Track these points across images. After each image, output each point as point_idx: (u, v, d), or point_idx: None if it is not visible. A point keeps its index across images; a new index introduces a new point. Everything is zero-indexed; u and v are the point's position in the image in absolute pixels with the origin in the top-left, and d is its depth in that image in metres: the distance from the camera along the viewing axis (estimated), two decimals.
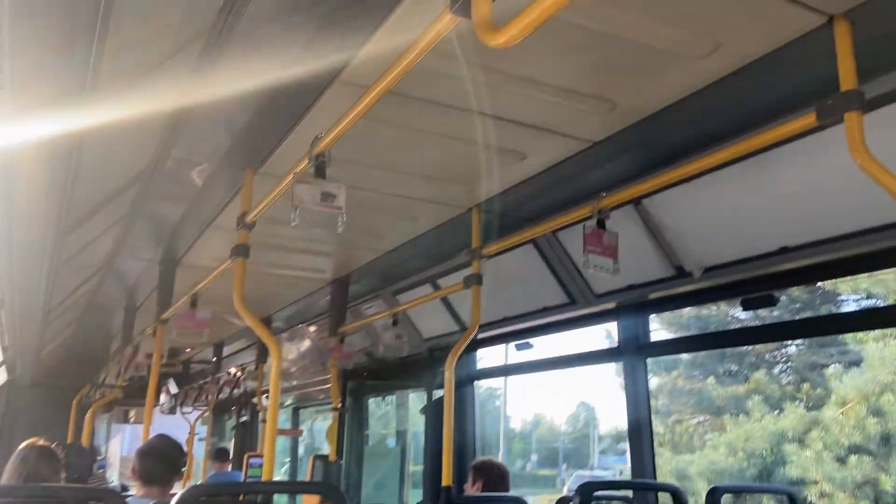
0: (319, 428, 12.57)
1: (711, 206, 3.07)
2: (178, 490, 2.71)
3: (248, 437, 9.01)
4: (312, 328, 6.98)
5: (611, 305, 3.92)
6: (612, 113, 2.59)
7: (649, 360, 3.97)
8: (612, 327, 4.11)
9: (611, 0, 1.94)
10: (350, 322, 5.38)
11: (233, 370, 8.30)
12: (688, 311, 14.22)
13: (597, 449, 27.63)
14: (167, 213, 3.96)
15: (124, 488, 6.54)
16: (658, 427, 14.87)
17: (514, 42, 1.41)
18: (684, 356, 15.49)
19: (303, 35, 2.14)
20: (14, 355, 7.93)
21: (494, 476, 4.06)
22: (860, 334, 10.84)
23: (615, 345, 4.13)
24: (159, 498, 3.13)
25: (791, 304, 13.46)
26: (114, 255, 4.81)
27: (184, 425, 8.74)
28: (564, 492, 14.73)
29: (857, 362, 11.70)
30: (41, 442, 3.49)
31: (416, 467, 6.91)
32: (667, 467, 13.07)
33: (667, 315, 13.48)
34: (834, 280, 9.97)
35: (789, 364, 14.30)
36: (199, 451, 9.78)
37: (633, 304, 3.84)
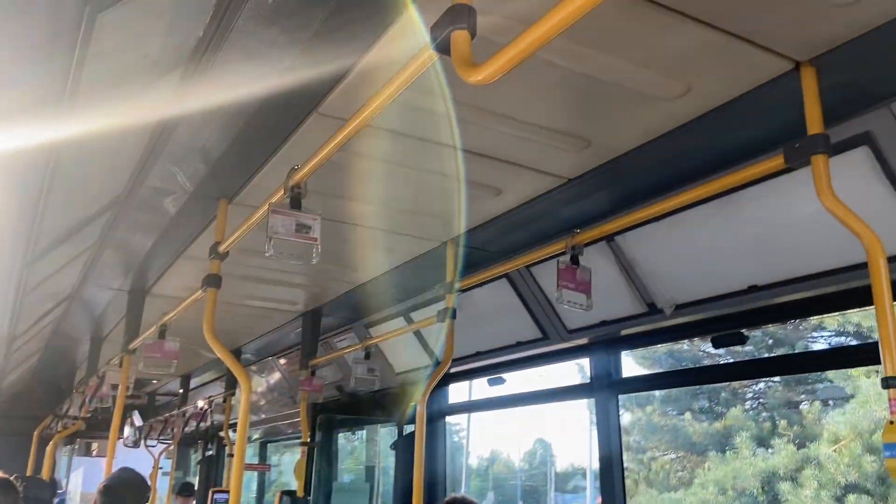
0: (287, 462, 12.34)
1: (683, 243, 3.11)
2: None
3: (213, 471, 8.83)
4: (283, 360, 6.90)
5: (583, 341, 3.93)
6: (587, 151, 2.63)
7: (622, 396, 3.98)
8: (584, 363, 4.13)
9: (587, 41, 1.98)
10: (321, 355, 5.33)
11: (200, 403, 8.15)
12: (661, 348, 14.21)
13: (553, 487, 27.34)
14: (138, 242, 3.91)
15: None
16: (632, 463, 14.76)
17: (493, 79, 1.43)
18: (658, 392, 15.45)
19: (282, 66, 2.15)
20: None
21: None
22: (851, 370, 10.69)
23: (586, 380, 4.14)
24: None
25: (764, 338, 13.48)
26: (82, 282, 4.72)
27: (147, 459, 8.55)
28: None
29: (846, 398, 11.58)
30: None
31: None
32: None
33: (640, 351, 13.46)
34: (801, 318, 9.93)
35: (770, 400, 14.17)
36: (163, 486, 9.56)
37: (605, 340, 3.86)
